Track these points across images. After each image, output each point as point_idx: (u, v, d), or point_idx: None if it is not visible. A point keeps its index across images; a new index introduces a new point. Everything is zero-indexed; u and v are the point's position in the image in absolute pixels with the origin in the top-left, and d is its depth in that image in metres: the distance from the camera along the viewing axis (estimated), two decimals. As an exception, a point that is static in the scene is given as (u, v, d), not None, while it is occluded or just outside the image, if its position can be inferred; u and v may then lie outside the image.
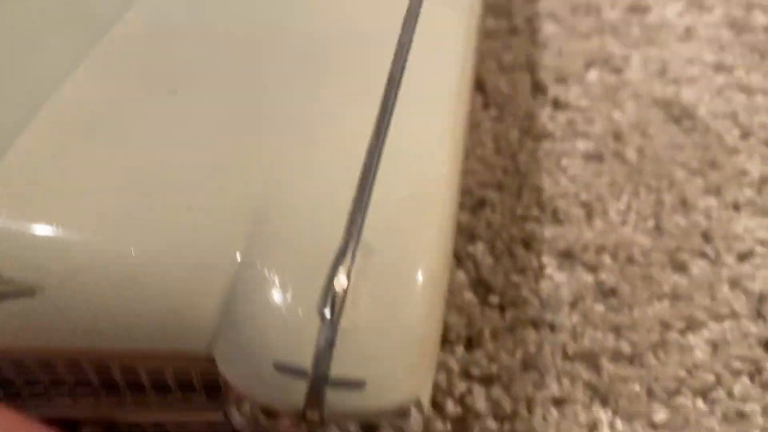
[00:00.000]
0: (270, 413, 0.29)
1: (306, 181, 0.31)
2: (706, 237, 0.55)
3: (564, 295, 0.50)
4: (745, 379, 0.46)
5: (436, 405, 0.44)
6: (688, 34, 0.77)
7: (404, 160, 0.33)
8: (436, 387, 0.44)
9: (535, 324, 0.48)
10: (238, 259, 0.29)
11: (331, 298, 0.27)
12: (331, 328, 0.27)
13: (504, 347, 0.47)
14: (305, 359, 0.26)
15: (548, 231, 0.55)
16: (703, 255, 0.53)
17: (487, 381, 0.45)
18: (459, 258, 0.52)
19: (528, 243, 0.54)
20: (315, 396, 0.26)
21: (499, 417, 0.43)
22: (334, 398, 0.26)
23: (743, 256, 0.53)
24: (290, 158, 0.32)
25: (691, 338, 0.48)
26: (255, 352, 0.27)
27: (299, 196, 0.30)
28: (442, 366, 0.45)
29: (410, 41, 0.39)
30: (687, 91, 0.69)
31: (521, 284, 0.50)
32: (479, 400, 0.44)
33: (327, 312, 0.27)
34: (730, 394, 0.45)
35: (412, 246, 0.30)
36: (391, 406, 0.27)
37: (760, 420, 0.44)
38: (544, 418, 0.43)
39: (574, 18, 0.79)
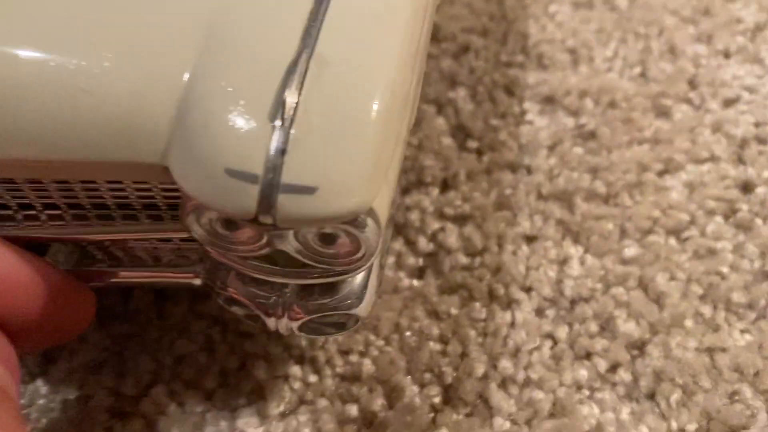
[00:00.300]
0: (228, 223, 0.29)
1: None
2: (692, 83, 0.53)
3: (543, 139, 0.50)
4: (719, 219, 0.46)
5: (409, 242, 0.45)
6: None
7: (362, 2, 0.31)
8: (409, 225, 0.45)
9: (512, 167, 0.48)
10: (191, 70, 0.28)
11: (282, 108, 0.27)
12: (282, 136, 0.26)
13: (479, 188, 0.47)
14: (256, 165, 0.26)
15: (532, 77, 0.53)
16: (687, 101, 0.52)
17: (460, 220, 0.46)
18: (439, 104, 0.51)
19: (510, 89, 0.53)
20: (266, 200, 0.26)
21: (470, 252, 0.44)
22: (285, 203, 0.26)
23: (728, 102, 0.52)
24: None
25: (669, 180, 0.48)
26: (207, 160, 0.27)
27: (254, 8, 0.29)
28: (416, 206, 0.46)
29: None
30: (687, -64, 0.65)
31: (501, 129, 0.50)
32: (451, 237, 0.44)
33: (278, 121, 0.27)
34: (702, 232, 0.46)
35: (369, 59, 0.29)
36: (342, 211, 0.27)
37: (730, 257, 0.44)
38: (514, 254, 0.44)
39: None
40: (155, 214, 0.33)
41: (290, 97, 0.27)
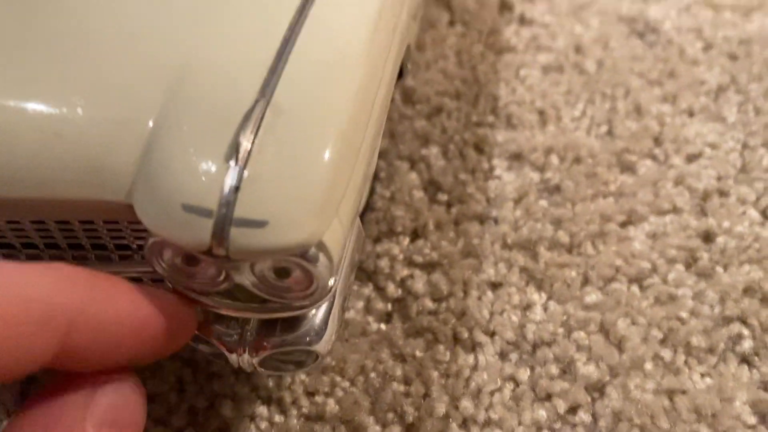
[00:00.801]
0: (188, 258, 0.32)
1: (225, 45, 0.33)
2: (657, 140, 0.56)
3: (509, 192, 0.52)
4: (680, 267, 0.48)
5: (378, 288, 0.46)
6: (663, -46, 0.77)
7: (325, 33, 0.34)
8: (378, 271, 0.47)
9: (479, 218, 0.50)
10: (156, 116, 0.31)
11: (237, 149, 0.29)
12: (235, 175, 0.29)
13: (447, 237, 0.49)
14: (211, 201, 0.28)
15: (501, 135, 0.56)
16: (651, 156, 0.55)
17: (428, 267, 0.47)
18: (412, 161, 0.54)
19: (480, 146, 0.55)
20: (219, 233, 0.28)
21: (436, 298, 0.46)
22: (237, 235, 0.28)
23: (691, 158, 0.55)
24: (210, 24, 0.34)
25: (632, 230, 0.50)
26: (166, 196, 0.29)
27: (217, 59, 0.32)
28: (386, 253, 0.48)
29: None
30: (654, 8, 0.69)
31: (469, 183, 0.52)
32: (419, 283, 0.46)
33: (233, 161, 0.29)
34: (664, 280, 0.47)
35: (321, 109, 0.32)
36: (291, 243, 0.29)
37: (690, 303, 0.46)
38: (479, 299, 0.46)
39: (548, -60, 0.79)
40: (126, 254, 0.36)
41: (245, 141, 0.29)
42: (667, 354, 0.43)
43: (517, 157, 0.55)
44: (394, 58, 0.41)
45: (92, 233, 0.35)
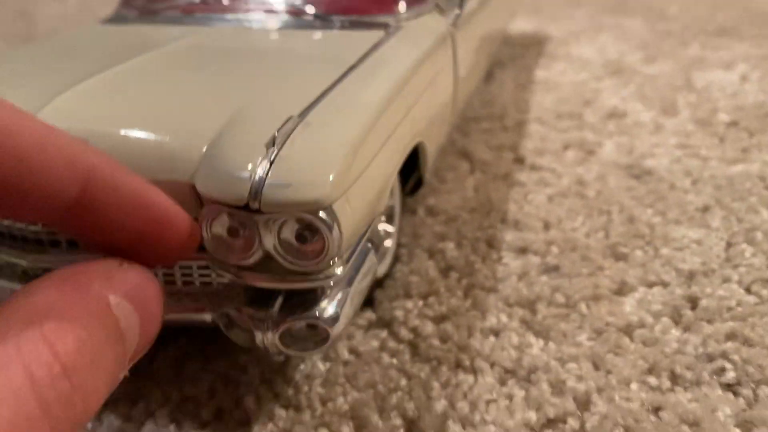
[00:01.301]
0: (231, 230, 0.41)
1: (274, 100, 0.46)
2: (647, 240, 0.63)
3: (513, 270, 0.59)
4: (666, 320, 0.52)
5: (392, 332, 0.53)
6: (658, 128, 0.90)
7: (351, 94, 0.48)
8: (393, 320, 0.53)
9: (485, 288, 0.57)
10: (218, 130, 0.43)
11: (273, 141, 0.40)
12: (271, 154, 0.40)
13: (455, 297, 0.56)
14: (250, 169, 0.39)
15: (509, 235, 0.65)
16: (641, 248, 0.62)
17: (437, 319, 0.54)
18: (431, 252, 0.63)
19: (490, 242, 0.64)
20: (255, 191, 0.38)
21: (443, 339, 0.51)
22: (268, 193, 0.38)
23: (678, 249, 0.62)
24: (267, 89, 0.47)
25: (622, 298, 0.55)
26: (220, 169, 0.40)
27: (268, 106, 0.45)
28: (401, 307, 0.55)
29: (362, 63, 0.54)
30: (649, 160, 0.81)
31: (480, 267, 0.60)
32: (428, 328, 0.52)
33: (271, 148, 0.40)
34: (651, 330, 0.52)
35: (339, 126, 0.43)
36: (307, 198, 0.38)
37: (675, 345, 0.50)
38: (481, 339, 0.51)
39: (557, 121, 0.94)
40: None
41: (280, 136, 0.41)
42: (652, 380, 0.47)
43: (522, 250, 0.63)
44: (405, 135, 0.52)
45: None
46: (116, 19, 0.72)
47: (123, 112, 0.45)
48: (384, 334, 0.53)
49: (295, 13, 0.66)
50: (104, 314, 0.24)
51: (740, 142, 0.84)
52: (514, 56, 1.27)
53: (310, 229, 0.40)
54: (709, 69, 1.14)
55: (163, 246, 0.31)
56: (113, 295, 0.25)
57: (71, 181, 0.26)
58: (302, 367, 0.49)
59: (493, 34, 1.02)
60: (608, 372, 0.47)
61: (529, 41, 1.39)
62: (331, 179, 0.39)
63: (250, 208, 0.39)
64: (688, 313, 0.53)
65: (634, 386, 0.46)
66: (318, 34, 0.62)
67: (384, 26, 0.63)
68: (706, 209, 0.68)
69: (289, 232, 0.40)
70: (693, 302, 0.54)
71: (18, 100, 0.46)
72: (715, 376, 0.47)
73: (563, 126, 0.92)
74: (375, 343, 0.52)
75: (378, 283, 0.57)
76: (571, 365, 0.48)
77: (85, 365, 0.22)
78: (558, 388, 0.46)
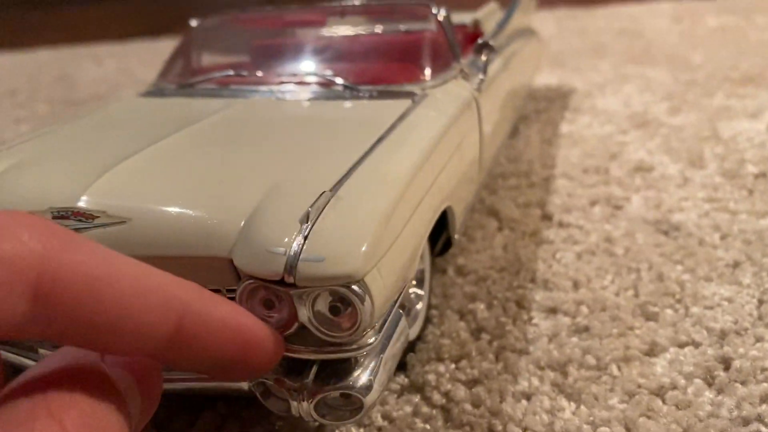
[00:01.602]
0: (266, 301, 0.43)
1: (307, 175, 0.48)
2: (677, 298, 0.64)
3: (544, 331, 0.60)
4: (699, 381, 0.52)
5: (425, 397, 0.53)
6: (685, 181, 0.91)
7: (381, 167, 0.50)
8: (426, 384, 0.54)
9: (516, 350, 0.58)
10: (254, 206, 0.45)
11: (307, 217, 0.42)
12: (305, 230, 0.41)
13: (487, 360, 0.56)
14: (286, 245, 0.41)
15: (538, 295, 0.66)
16: (671, 307, 0.62)
17: (469, 383, 0.54)
18: (462, 313, 0.64)
19: (520, 303, 0.65)
20: (290, 265, 0.40)
21: (476, 404, 0.52)
22: (303, 268, 0.40)
23: (708, 308, 0.62)
24: (300, 164, 0.50)
25: (653, 359, 0.56)
26: (257, 246, 0.42)
27: (301, 182, 0.47)
28: (432, 371, 0.55)
29: (390, 132, 0.56)
30: (678, 215, 0.81)
31: (510, 328, 0.61)
32: (460, 392, 0.53)
33: (305, 224, 0.42)
34: (683, 392, 0.52)
35: (369, 201, 0.45)
36: (340, 273, 0.40)
37: (708, 407, 0.50)
38: (514, 404, 0.51)
39: (583, 176, 0.95)
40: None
41: (314, 212, 0.42)
42: (687, 445, 0.47)
43: (552, 310, 0.63)
44: (433, 202, 0.54)
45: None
46: (155, 92, 0.76)
47: (164, 189, 0.48)
48: (417, 399, 0.53)
49: (325, 84, 0.69)
50: (104, 385, 0.26)
51: (769, 195, 0.84)
52: (539, 110, 1.30)
53: (343, 301, 0.41)
54: (735, 118, 1.14)
55: (252, 365, 0.34)
56: (111, 367, 0.27)
57: (166, 320, 0.28)
58: (337, 433, 0.50)
59: (518, 91, 1.05)
60: (642, 437, 0.47)
61: (553, 94, 1.41)
62: (362, 252, 0.41)
63: (285, 283, 0.40)
64: (721, 375, 0.53)
65: (668, 452, 0.46)
66: (347, 104, 0.65)
67: (410, 95, 0.66)
68: (736, 265, 0.68)
69: (322, 305, 0.42)
70: (726, 363, 0.54)
71: (66, 178, 0.49)
72: (750, 441, 0.47)
73: (590, 181, 0.93)
74: (408, 409, 0.52)
75: (410, 347, 0.58)
76: (604, 429, 0.48)
77: None
78: (592, 453, 0.46)
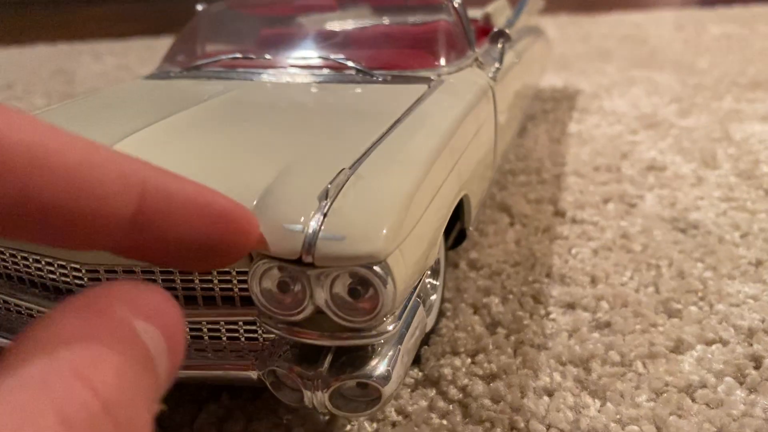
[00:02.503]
0: (281, 285, 0.40)
1: (324, 153, 0.45)
2: (700, 295, 0.61)
3: (563, 326, 0.57)
4: (730, 380, 0.50)
5: (441, 392, 0.51)
6: (700, 181, 0.89)
7: (401, 145, 0.47)
8: (442, 378, 0.51)
9: (534, 345, 0.55)
10: (269, 179, 0.42)
11: (326, 194, 0.40)
12: (324, 208, 0.39)
13: (505, 353, 0.54)
14: (304, 222, 0.38)
15: (555, 290, 0.63)
16: (695, 304, 0.60)
17: (487, 378, 0.52)
18: (476, 307, 0.61)
19: (537, 297, 0.62)
20: (308, 244, 0.37)
21: (495, 399, 0.49)
22: (322, 246, 0.37)
23: (734, 305, 0.59)
24: (316, 142, 0.47)
25: (679, 356, 0.53)
26: (274, 222, 0.39)
27: (318, 160, 0.45)
28: (449, 365, 0.53)
29: (407, 115, 0.54)
30: (694, 213, 0.79)
31: (528, 323, 0.58)
32: (479, 387, 0.50)
33: (324, 201, 0.39)
34: (714, 391, 0.49)
35: (391, 180, 0.43)
36: (361, 252, 0.37)
37: (742, 407, 0.47)
38: (536, 400, 0.49)
39: (595, 174, 0.93)
40: (230, 302, 0.44)
41: (333, 189, 0.40)
42: (721, 445, 0.44)
43: (570, 306, 0.61)
44: (453, 188, 0.51)
45: (207, 284, 0.44)
46: (159, 75, 0.73)
47: (172, 165, 0.45)
48: (432, 393, 0.51)
49: (337, 68, 0.67)
50: (134, 341, 0.22)
51: (787, 195, 0.82)
52: (546, 110, 1.27)
53: (363, 283, 0.39)
54: (747, 121, 1.13)
55: (230, 244, 0.29)
56: (138, 320, 0.22)
57: (126, 197, 0.24)
58: (348, 428, 0.47)
59: (529, 86, 1.02)
60: (673, 436, 0.45)
61: (560, 95, 1.39)
62: (385, 232, 0.38)
63: (302, 262, 0.38)
64: (752, 373, 0.50)
65: (702, 452, 0.43)
66: (360, 89, 0.62)
67: (426, 80, 0.63)
68: (759, 263, 0.66)
69: (341, 287, 0.39)
70: (756, 361, 0.52)
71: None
72: (787, 442, 0.44)
73: (602, 179, 0.91)
74: (423, 403, 0.50)
75: (423, 340, 0.56)
76: (633, 428, 0.46)
77: (127, 400, 0.19)
78: (621, 452, 0.44)
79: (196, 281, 0.44)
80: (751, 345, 0.54)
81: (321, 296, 0.39)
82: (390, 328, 0.41)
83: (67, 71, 2.06)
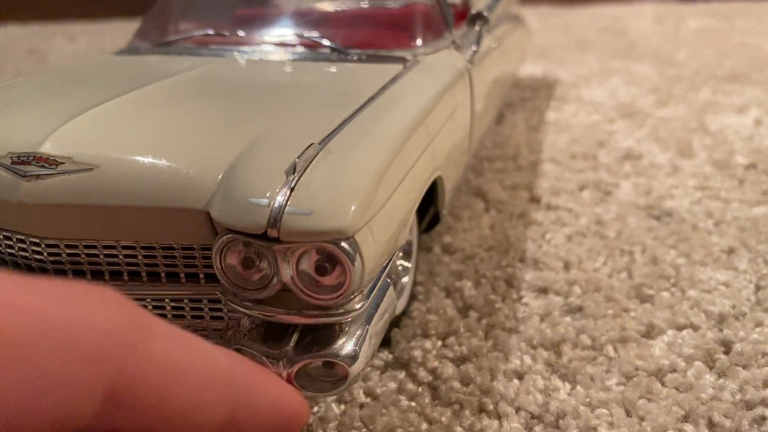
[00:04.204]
0: (246, 261, 0.39)
1: (294, 128, 0.44)
2: (672, 281, 0.61)
3: (535, 311, 0.57)
4: (700, 364, 0.50)
5: (410, 374, 0.50)
6: (675, 170, 0.89)
7: (373, 122, 0.46)
8: (412, 360, 0.51)
9: (506, 329, 0.55)
10: (236, 153, 0.41)
11: (293, 168, 0.39)
12: (292, 181, 0.38)
13: (475, 337, 0.53)
14: (270, 197, 0.37)
15: (528, 275, 0.63)
16: (667, 290, 0.59)
17: (458, 360, 0.51)
18: (448, 291, 0.60)
19: (509, 282, 0.61)
20: (274, 219, 0.36)
21: (464, 381, 0.49)
22: (288, 221, 0.36)
23: (706, 291, 0.59)
24: (286, 118, 0.46)
25: (650, 341, 0.53)
26: (238, 196, 0.38)
27: (287, 134, 0.43)
28: (419, 347, 0.52)
29: (381, 93, 0.53)
30: (669, 201, 0.79)
31: (500, 306, 0.58)
32: (449, 370, 0.50)
33: (291, 175, 0.38)
34: (684, 375, 0.49)
35: (360, 154, 0.42)
36: (329, 228, 0.36)
37: (711, 391, 0.47)
38: (506, 383, 0.48)
39: (571, 161, 0.93)
40: (194, 279, 0.43)
41: (301, 164, 0.39)
42: (690, 428, 0.44)
43: (543, 290, 0.60)
44: (426, 168, 0.51)
45: (170, 260, 0.42)
46: (130, 50, 0.71)
47: (136, 138, 0.44)
48: (401, 375, 0.50)
49: (311, 46, 0.65)
50: None
51: (761, 185, 0.82)
52: (524, 98, 1.27)
53: (330, 260, 0.38)
54: (723, 113, 1.13)
55: None
56: None
57: (219, 413, 0.28)
58: (315, 409, 0.46)
59: (506, 75, 1.02)
60: (641, 419, 0.44)
61: (538, 84, 1.39)
62: (354, 208, 0.37)
63: (268, 237, 0.37)
64: (722, 358, 0.50)
65: (670, 434, 0.43)
66: (335, 67, 0.61)
67: (402, 60, 0.62)
68: (731, 251, 0.66)
69: (308, 264, 0.38)
70: (726, 346, 0.52)
71: (29, 124, 0.45)
72: (755, 425, 0.44)
73: (578, 166, 0.90)
74: (392, 385, 0.49)
75: (394, 322, 0.55)
76: (602, 411, 0.45)
77: None
78: (589, 435, 0.43)
79: (159, 257, 0.42)
80: (722, 330, 0.54)
81: (287, 273, 0.38)
82: (358, 306, 0.40)
83: (39, 51, 2.02)
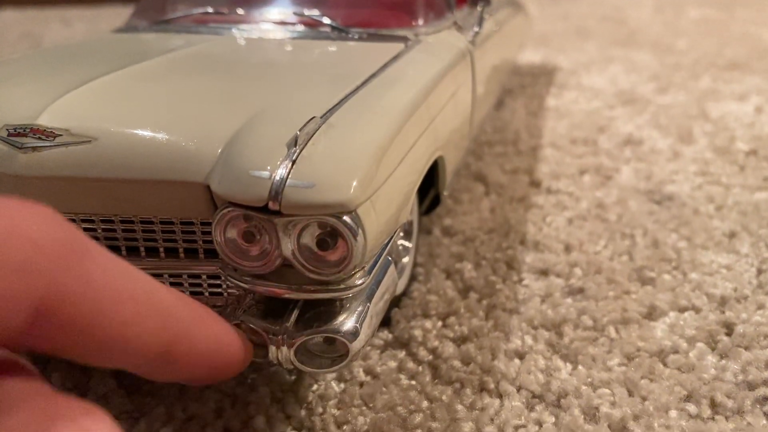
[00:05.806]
0: (247, 235, 0.38)
1: (295, 102, 0.44)
2: (674, 264, 0.61)
3: (536, 291, 0.56)
4: (702, 345, 0.49)
5: (410, 353, 0.49)
6: (676, 155, 0.88)
7: (364, 108, 0.45)
8: (412, 339, 0.50)
9: (507, 309, 0.54)
10: (236, 127, 0.40)
11: (295, 141, 0.38)
12: (294, 154, 0.37)
13: (476, 317, 0.53)
14: (271, 169, 0.36)
15: (529, 257, 0.62)
16: (669, 272, 0.59)
17: (458, 340, 0.51)
18: (448, 272, 0.60)
19: (510, 264, 0.61)
20: (275, 192, 0.36)
21: (465, 361, 0.48)
22: (289, 193, 0.36)
23: (707, 274, 0.59)
24: (287, 92, 0.45)
25: (652, 322, 0.53)
26: (239, 168, 0.37)
27: (289, 108, 0.43)
28: (419, 327, 0.52)
29: (383, 70, 0.52)
30: (670, 186, 0.78)
31: (500, 288, 0.57)
32: (449, 349, 0.49)
33: (293, 148, 0.38)
34: (686, 356, 0.49)
35: (362, 128, 0.41)
36: (331, 201, 0.36)
37: (713, 371, 0.47)
38: (507, 362, 0.48)
39: (572, 146, 0.92)
40: (193, 254, 0.42)
41: (303, 137, 0.38)
42: (692, 408, 0.43)
43: (544, 272, 0.60)
44: (428, 145, 0.50)
45: (169, 235, 0.42)
46: (128, 29, 0.71)
47: (135, 111, 0.43)
48: (402, 354, 0.49)
49: (311, 24, 0.65)
50: None
51: (761, 171, 0.82)
52: (524, 85, 1.26)
53: (332, 234, 0.37)
54: (723, 100, 1.13)
55: (219, 377, 0.35)
56: None
57: (157, 345, 0.29)
58: (315, 387, 0.46)
59: (506, 59, 1.01)
60: (644, 398, 0.44)
61: (538, 71, 1.38)
62: (356, 182, 0.37)
63: (269, 210, 0.36)
64: (724, 339, 0.50)
65: (672, 413, 0.43)
66: (335, 46, 0.60)
67: (403, 39, 0.62)
68: (732, 235, 0.66)
69: (309, 237, 0.37)
70: (728, 328, 0.51)
71: (26, 97, 0.44)
72: (758, 405, 0.44)
73: (578, 151, 0.90)
74: (392, 364, 0.48)
75: (394, 302, 0.54)
76: (604, 391, 0.45)
77: None
78: (591, 414, 0.43)
79: (158, 231, 0.42)
80: (724, 312, 0.53)
81: (288, 247, 0.37)
82: (359, 282, 0.39)
83: (34, 35, 2.00)
